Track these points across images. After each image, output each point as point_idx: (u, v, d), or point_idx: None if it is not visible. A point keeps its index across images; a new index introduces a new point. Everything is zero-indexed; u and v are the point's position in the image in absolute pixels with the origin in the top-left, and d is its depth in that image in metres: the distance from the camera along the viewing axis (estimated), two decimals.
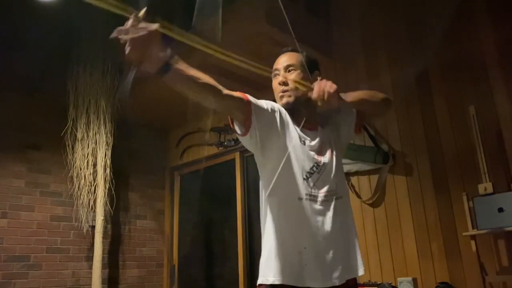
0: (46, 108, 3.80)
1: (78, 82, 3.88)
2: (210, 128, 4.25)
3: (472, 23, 2.76)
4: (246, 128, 1.40)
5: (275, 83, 1.58)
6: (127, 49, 1.07)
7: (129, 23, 1.07)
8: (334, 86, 1.39)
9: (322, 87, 1.39)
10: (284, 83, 1.53)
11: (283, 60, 1.58)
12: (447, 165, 2.72)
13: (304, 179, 1.44)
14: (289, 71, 1.55)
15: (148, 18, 1.10)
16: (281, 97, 1.53)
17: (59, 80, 3.87)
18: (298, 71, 1.55)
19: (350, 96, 1.49)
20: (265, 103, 1.45)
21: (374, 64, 3.22)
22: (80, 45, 3.96)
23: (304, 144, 1.48)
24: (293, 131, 1.49)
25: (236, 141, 3.95)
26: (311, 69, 1.58)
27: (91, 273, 3.63)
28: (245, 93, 1.39)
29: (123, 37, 1.07)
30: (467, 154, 2.63)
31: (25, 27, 3.80)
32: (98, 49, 3.96)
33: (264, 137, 1.43)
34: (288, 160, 1.42)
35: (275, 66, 1.59)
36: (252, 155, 1.53)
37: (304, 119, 1.52)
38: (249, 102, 1.38)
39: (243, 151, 3.99)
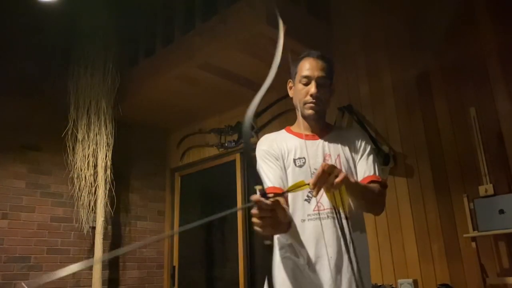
0: (47, 109, 3.80)
1: (78, 83, 3.88)
2: (210, 129, 4.25)
3: (473, 24, 2.76)
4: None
5: (302, 88, 1.46)
6: (260, 227, 1.08)
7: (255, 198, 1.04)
8: (342, 175, 1.18)
9: (328, 181, 1.17)
10: (318, 99, 1.45)
11: (317, 69, 1.46)
12: (447, 166, 2.72)
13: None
14: (320, 85, 1.45)
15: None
16: (310, 107, 1.46)
17: (59, 81, 3.88)
18: (329, 88, 1.48)
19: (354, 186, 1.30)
20: (269, 166, 1.43)
21: (374, 64, 3.21)
22: (81, 45, 3.96)
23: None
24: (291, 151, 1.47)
25: (237, 142, 3.95)
26: (332, 79, 1.51)
27: (91, 274, 3.63)
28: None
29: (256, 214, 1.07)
30: (468, 155, 2.62)
31: (25, 27, 3.81)
32: (99, 49, 3.97)
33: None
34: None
35: (307, 73, 1.45)
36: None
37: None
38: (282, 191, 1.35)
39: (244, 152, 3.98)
